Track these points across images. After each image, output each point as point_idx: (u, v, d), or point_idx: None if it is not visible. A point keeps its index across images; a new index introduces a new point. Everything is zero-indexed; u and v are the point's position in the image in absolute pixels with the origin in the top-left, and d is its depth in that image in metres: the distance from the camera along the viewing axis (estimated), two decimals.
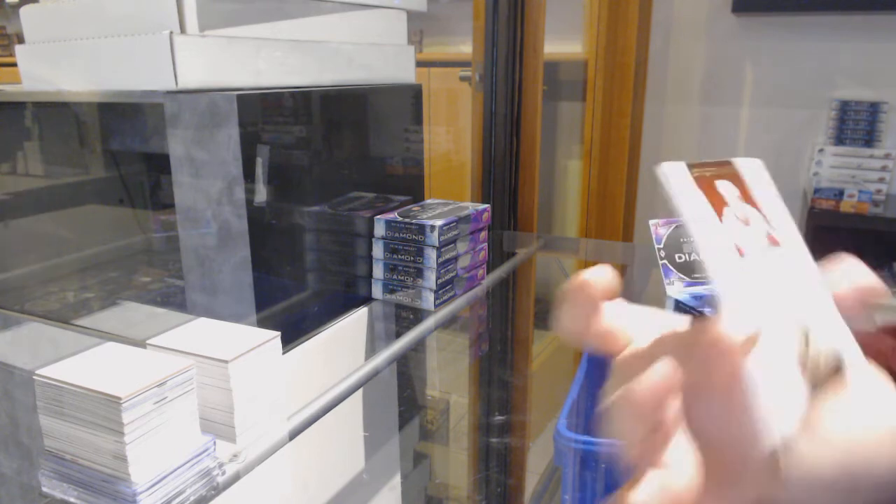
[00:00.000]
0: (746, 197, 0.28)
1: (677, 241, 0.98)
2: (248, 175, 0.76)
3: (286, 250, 0.85)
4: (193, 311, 0.80)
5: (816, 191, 2.23)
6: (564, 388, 1.11)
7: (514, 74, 1.46)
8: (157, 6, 0.74)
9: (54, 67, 0.85)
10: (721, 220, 0.27)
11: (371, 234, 0.98)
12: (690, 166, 0.29)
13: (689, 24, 2.45)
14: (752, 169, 0.28)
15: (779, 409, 0.19)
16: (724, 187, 0.28)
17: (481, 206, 1.06)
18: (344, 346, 0.93)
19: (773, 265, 0.26)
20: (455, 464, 1.51)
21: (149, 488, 0.57)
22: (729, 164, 0.29)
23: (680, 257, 0.97)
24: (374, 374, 0.84)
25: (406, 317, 0.96)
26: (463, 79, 2.23)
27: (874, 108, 2.24)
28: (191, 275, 0.81)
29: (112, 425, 0.55)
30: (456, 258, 1.00)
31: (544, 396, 1.72)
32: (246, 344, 0.66)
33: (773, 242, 0.26)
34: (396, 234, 0.96)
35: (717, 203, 0.27)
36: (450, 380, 1.57)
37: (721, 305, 0.25)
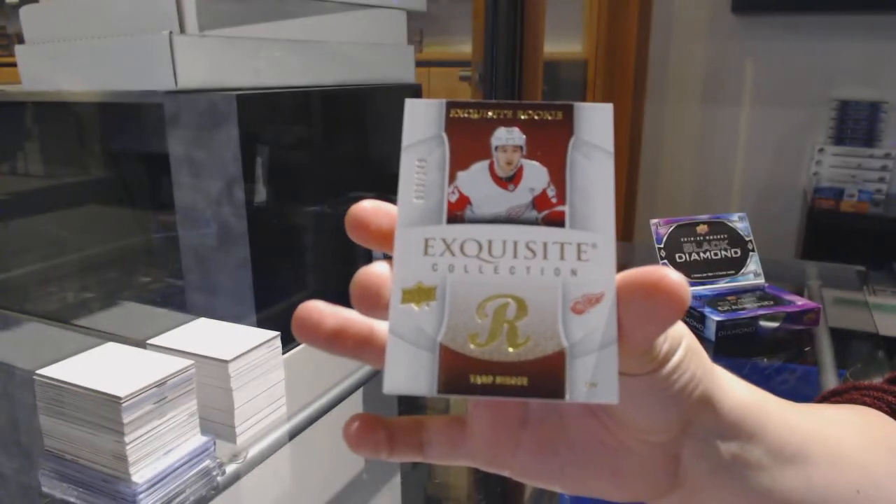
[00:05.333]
0: (544, 152, 0.23)
1: (678, 241, 0.98)
2: (248, 175, 0.76)
3: (286, 250, 0.85)
4: (193, 312, 0.80)
5: (816, 190, 2.23)
6: None
7: (514, 74, 1.46)
8: (156, 6, 0.74)
9: (54, 67, 0.85)
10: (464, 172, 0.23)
11: None
12: (452, 105, 0.24)
13: (689, 24, 2.45)
14: (589, 119, 0.24)
15: None
16: (504, 135, 0.24)
17: None
18: None
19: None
20: None
21: (149, 488, 0.57)
22: (557, 109, 0.24)
23: (680, 257, 0.97)
24: (375, 374, 0.84)
25: None
26: (463, 79, 2.23)
27: (874, 108, 2.24)
28: (191, 275, 0.81)
29: (112, 425, 0.55)
30: None
31: None
32: (246, 344, 0.66)
33: (543, 208, 0.23)
34: None
35: (471, 154, 0.23)
36: None
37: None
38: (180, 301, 0.85)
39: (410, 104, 0.24)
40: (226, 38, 0.79)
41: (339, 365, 0.87)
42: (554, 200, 0.23)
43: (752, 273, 0.97)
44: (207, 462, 0.62)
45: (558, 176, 0.23)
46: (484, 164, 0.24)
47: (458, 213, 0.23)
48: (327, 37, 0.94)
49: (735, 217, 1.01)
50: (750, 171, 2.48)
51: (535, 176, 0.23)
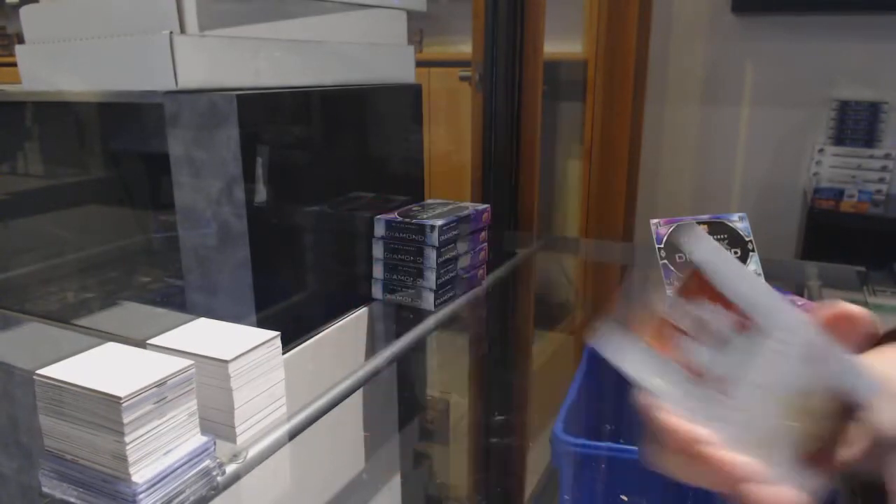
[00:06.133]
0: (709, 295, 0.31)
1: (678, 242, 0.98)
2: (248, 175, 0.76)
3: (286, 250, 0.85)
4: (193, 311, 0.80)
5: (816, 191, 2.23)
6: (564, 388, 1.11)
7: (514, 74, 1.46)
8: (156, 6, 0.74)
9: (54, 67, 0.85)
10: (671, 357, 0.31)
11: (371, 234, 0.98)
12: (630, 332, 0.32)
13: (689, 23, 2.45)
14: (711, 256, 0.30)
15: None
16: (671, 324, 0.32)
17: (481, 206, 1.06)
18: (344, 346, 0.93)
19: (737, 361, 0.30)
20: (455, 464, 1.51)
21: (149, 488, 0.57)
22: (693, 273, 0.32)
23: (680, 257, 0.97)
24: (375, 374, 0.84)
25: (406, 317, 0.96)
26: (463, 79, 2.23)
27: (874, 108, 2.24)
28: (191, 275, 0.81)
29: (112, 425, 0.55)
30: (456, 258, 1.00)
31: (544, 396, 1.72)
32: (246, 344, 0.66)
33: (743, 328, 0.30)
34: (396, 234, 0.96)
35: (665, 346, 0.32)
36: (450, 380, 1.57)
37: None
38: (180, 301, 0.85)
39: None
40: (226, 38, 0.79)
41: (339, 365, 0.87)
42: None
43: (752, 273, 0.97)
44: (207, 462, 0.62)
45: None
46: None
47: None
48: (327, 37, 0.94)
49: (735, 217, 1.01)
50: (750, 171, 2.48)
51: None
